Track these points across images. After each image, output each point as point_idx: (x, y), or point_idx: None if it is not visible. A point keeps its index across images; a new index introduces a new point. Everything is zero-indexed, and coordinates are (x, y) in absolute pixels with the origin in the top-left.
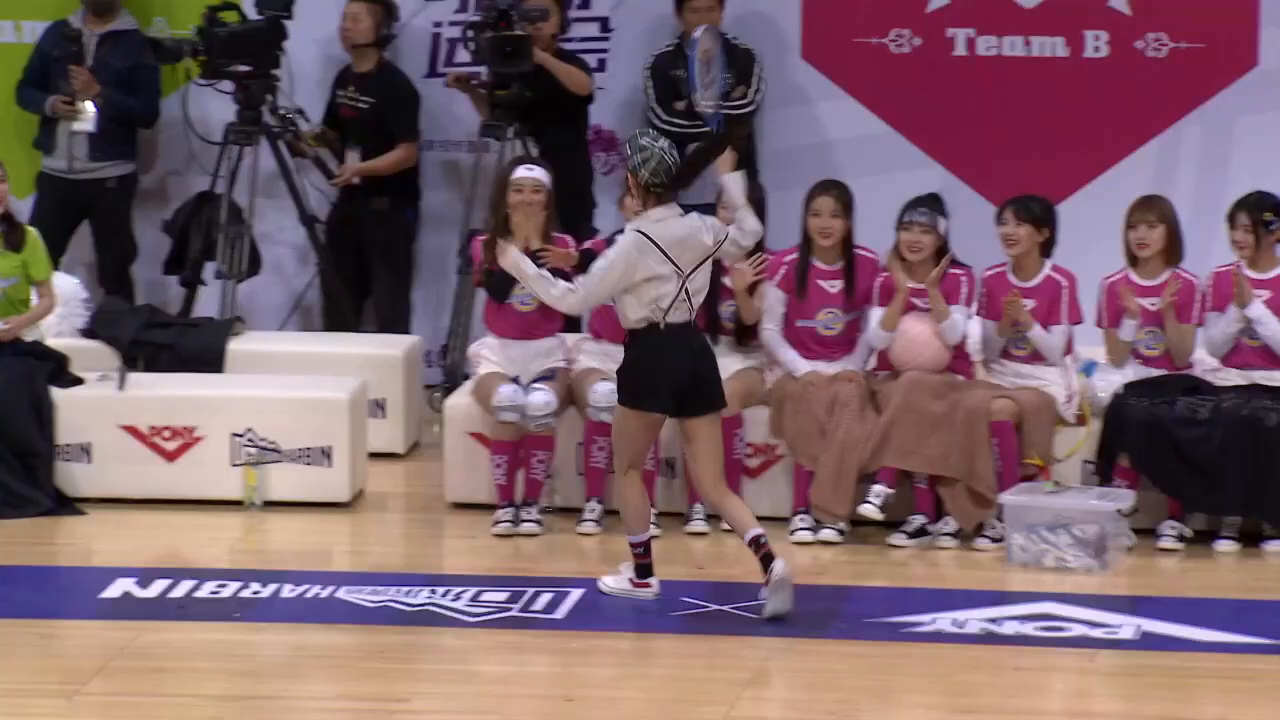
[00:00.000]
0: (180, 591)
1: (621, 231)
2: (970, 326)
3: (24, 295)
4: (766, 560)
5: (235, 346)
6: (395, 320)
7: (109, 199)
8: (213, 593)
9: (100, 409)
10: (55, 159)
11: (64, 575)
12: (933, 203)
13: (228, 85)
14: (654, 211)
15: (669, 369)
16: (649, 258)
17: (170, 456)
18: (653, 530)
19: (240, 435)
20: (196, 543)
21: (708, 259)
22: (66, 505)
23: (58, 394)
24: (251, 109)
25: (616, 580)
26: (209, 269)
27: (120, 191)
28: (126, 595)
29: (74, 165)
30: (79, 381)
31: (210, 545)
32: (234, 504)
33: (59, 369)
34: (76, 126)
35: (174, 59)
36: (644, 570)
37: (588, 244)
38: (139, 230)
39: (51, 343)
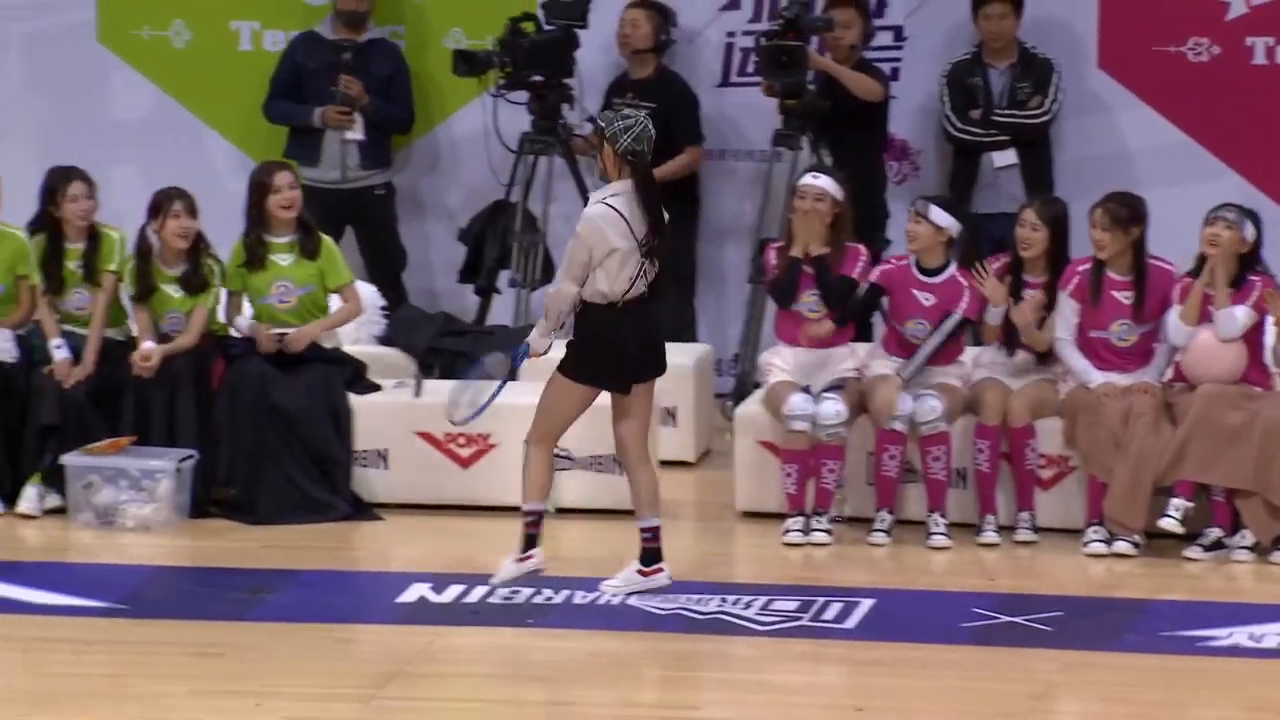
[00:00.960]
0: (474, 597)
1: None
2: (1267, 337)
3: (321, 303)
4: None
5: None
6: (679, 328)
7: (378, 206)
8: (506, 598)
9: (397, 416)
10: (324, 169)
11: (361, 580)
12: (1244, 209)
13: (513, 94)
14: (616, 184)
15: (624, 347)
16: (614, 230)
17: (465, 463)
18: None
19: None
20: (490, 549)
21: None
22: (364, 510)
23: (355, 400)
24: (547, 118)
25: (624, 578)
26: (503, 277)
27: (387, 198)
28: (422, 600)
29: (347, 175)
30: (376, 388)
31: (504, 551)
32: None
33: (356, 375)
34: (349, 136)
35: (483, 69)
36: (530, 541)
37: (856, 271)
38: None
39: (349, 349)
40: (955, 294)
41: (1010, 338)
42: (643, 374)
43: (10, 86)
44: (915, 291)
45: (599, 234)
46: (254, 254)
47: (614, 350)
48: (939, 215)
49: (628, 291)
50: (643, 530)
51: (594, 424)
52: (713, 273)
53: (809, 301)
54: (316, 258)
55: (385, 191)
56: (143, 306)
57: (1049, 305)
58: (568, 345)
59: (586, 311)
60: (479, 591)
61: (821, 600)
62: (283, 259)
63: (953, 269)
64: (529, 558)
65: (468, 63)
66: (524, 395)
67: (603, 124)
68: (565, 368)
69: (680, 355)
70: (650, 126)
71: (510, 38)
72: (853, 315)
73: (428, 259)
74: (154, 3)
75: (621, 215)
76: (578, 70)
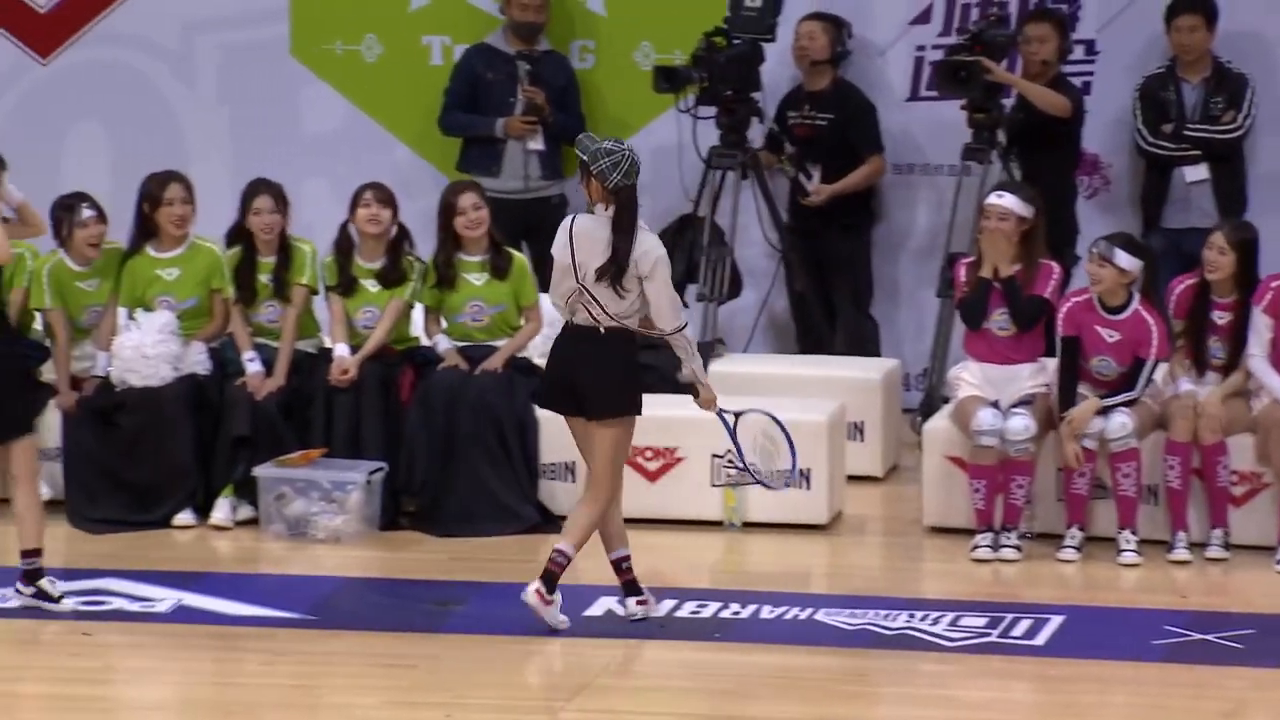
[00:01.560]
0: (661, 610)
1: None
2: None
3: (513, 320)
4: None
5: (716, 368)
6: (860, 341)
7: (554, 216)
8: (693, 612)
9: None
10: (506, 180)
11: None
12: None
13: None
14: (599, 209)
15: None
16: (559, 245)
17: (652, 477)
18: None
19: (720, 457)
20: (677, 562)
21: (610, 272)
22: (550, 522)
23: (542, 413)
24: (736, 132)
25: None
26: (690, 291)
27: (562, 208)
28: (609, 614)
29: (529, 185)
30: None
31: (691, 565)
32: (714, 524)
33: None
34: (531, 145)
35: (683, 85)
36: (633, 587)
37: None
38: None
39: (539, 363)
40: (1139, 330)
41: (1199, 357)
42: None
43: (204, 100)
44: (1099, 329)
45: (556, 248)
46: (444, 274)
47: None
48: (1123, 259)
49: (572, 310)
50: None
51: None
52: (897, 287)
53: (999, 320)
54: (507, 277)
55: (560, 201)
56: (340, 300)
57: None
58: (603, 384)
59: (621, 337)
60: (666, 605)
61: (1010, 617)
62: (475, 278)
63: (1136, 303)
64: (645, 600)
65: (668, 79)
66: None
67: (586, 159)
68: (616, 408)
69: (868, 370)
70: (635, 157)
71: (705, 53)
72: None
73: None
74: (346, 17)
75: (569, 229)
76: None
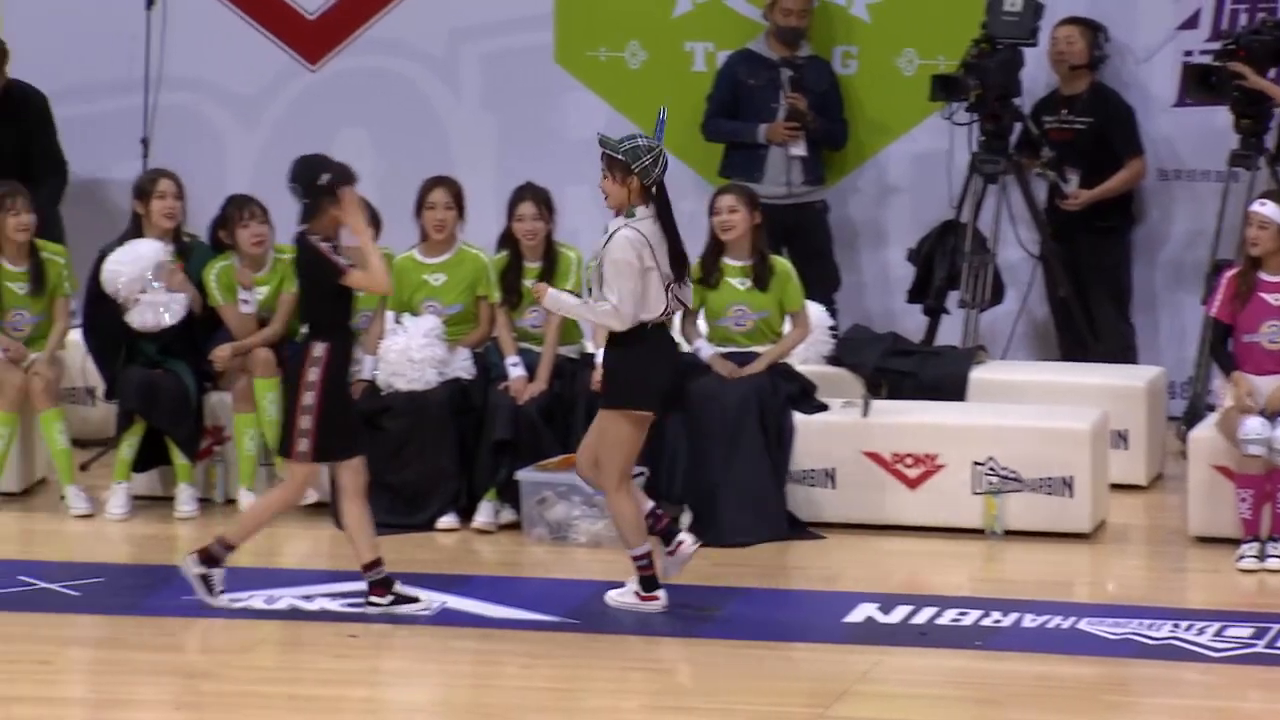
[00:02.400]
0: (922, 618)
1: None
2: None
3: (776, 327)
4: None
5: (977, 375)
6: (1120, 347)
7: (815, 222)
8: (954, 620)
9: (844, 435)
10: (769, 185)
11: (809, 599)
12: None
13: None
14: (640, 210)
15: (663, 368)
16: (646, 253)
17: (912, 484)
18: (648, 543)
19: (982, 464)
20: (938, 570)
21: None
22: (802, 528)
23: (799, 419)
24: (1000, 138)
25: (621, 594)
26: (952, 297)
27: (824, 214)
28: (869, 620)
29: (792, 190)
30: (823, 408)
31: (951, 573)
32: (974, 532)
33: (803, 393)
34: (794, 151)
35: (960, 94)
36: (649, 583)
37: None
38: None
39: (800, 369)
40: None
41: None
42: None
43: (469, 106)
44: (1264, 295)
45: (641, 254)
46: (708, 272)
47: (651, 371)
48: (1272, 210)
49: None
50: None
51: (1043, 445)
52: (1155, 292)
53: (1269, 332)
54: (770, 283)
55: (822, 207)
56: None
57: None
58: (612, 374)
59: (631, 335)
60: (927, 612)
61: (1276, 628)
62: (739, 283)
63: None
64: (653, 598)
65: (945, 88)
66: (969, 415)
67: (625, 158)
68: (615, 398)
69: (1132, 377)
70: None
71: (976, 59)
72: None
73: (875, 279)
74: (610, 25)
75: (647, 239)
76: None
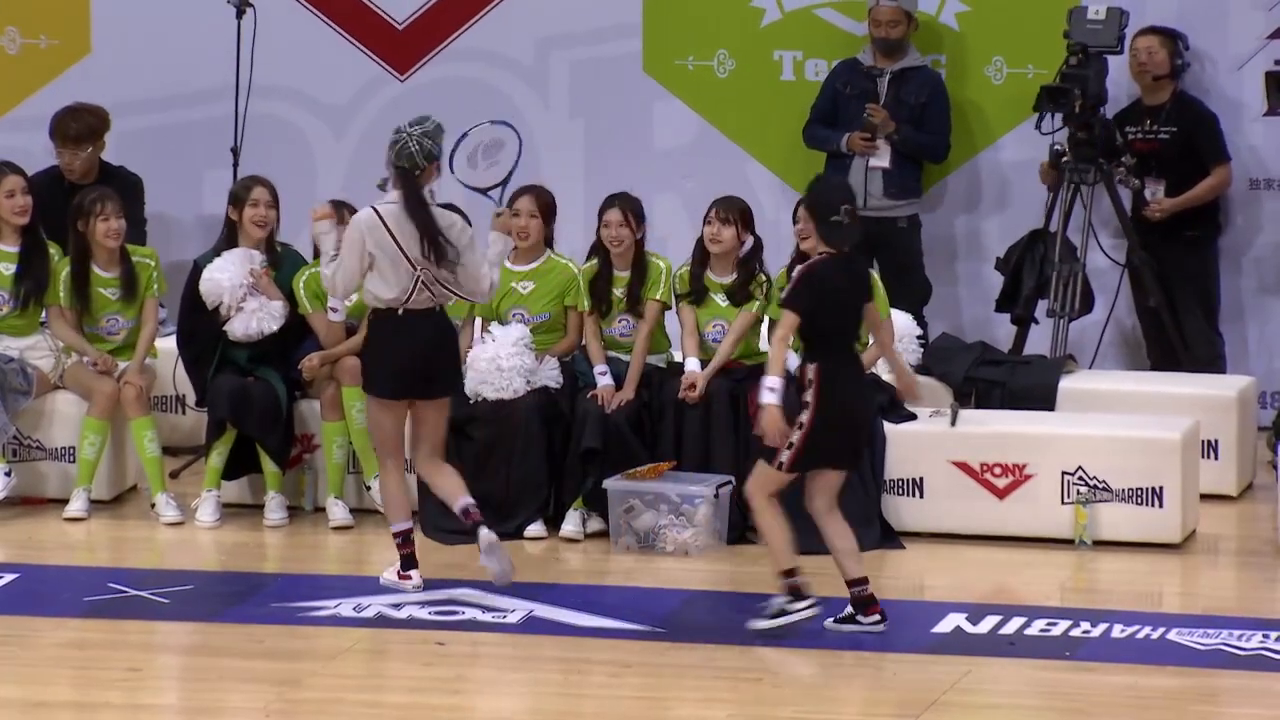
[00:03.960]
0: (1010, 628)
1: None
2: None
3: (861, 337)
4: (474, 531)
5: (1067, 384)
6: (1208, 357)
7: (900, 238)
8: (1043, 630)
9: (933, 444)
10: None
11: (897, 608)
12: None
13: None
14: (392, 193)
15: (396, 355)
16: (378, 235)
17: (1000, 493)
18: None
19: (1071, 474)
20: (1026, 580)
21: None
22: (891, 538)
23: (889, 428)
24: (1091, 147)
25: (388, 574)
26: (1041, 306)
27: (910, 231)
28: (958, 630)
29: (869, 202)
30: (912, 417)
31: (1040, 582)
32: (1063, 542)
33: (891, 403)
34: (874, 163)
35: (1065, 104)
36: (407, 562)
37: None
38: None
39: (888, 378)
40: None
41: None
42: (420, 389)
43: (558, 115)
44: None
45: (356, 236)
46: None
47: (388, 358)
48: None
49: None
50: (460, 511)
51: (1133, 455)
52: (1242, 301)
53: None
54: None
55: (907, 225)
56: (691, 311)
57: None
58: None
59: (372, 322)
60: (1016, 623)
61: None
62: None
63: None
64: (409, 576)
65: (1053, 98)
66: (1058, 425)
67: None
68: (363, 384)
69: (1222, 387)
70: (411, 141)
71: (1075, 69)
72: None
73: (967, 288)
74: (699, 34)
75: (383, 221)
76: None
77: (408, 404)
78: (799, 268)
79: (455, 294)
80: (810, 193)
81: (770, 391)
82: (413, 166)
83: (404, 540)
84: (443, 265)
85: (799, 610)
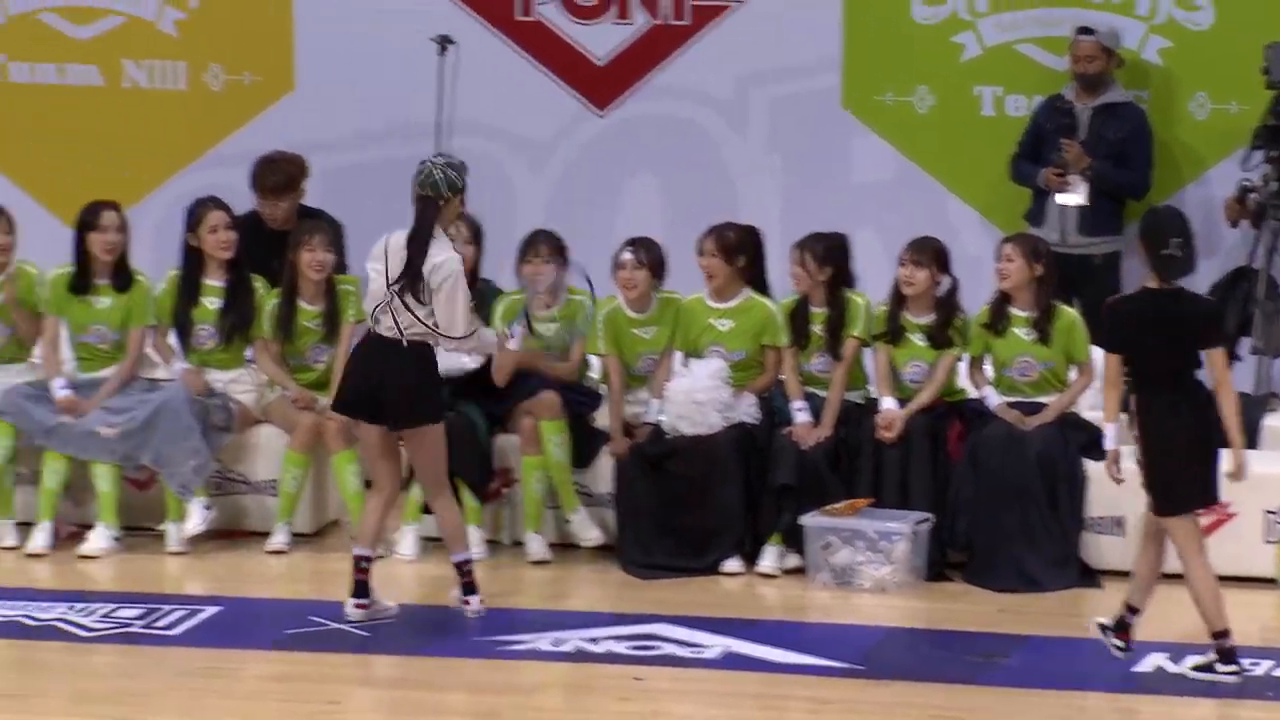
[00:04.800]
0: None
1: None
2: None
3: (1062, 375)
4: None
5: (1270, 422)
6: None
7: (1095, 276)
8: (1245, 670)
9: (1134, 483)
10: (1048, 232)
11: (1095, 647)
12: None
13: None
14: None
15: (350, 374)
16: (379, 260)
17: (1203, 532)
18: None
19: (1274, 512)
20: (1231, 619)
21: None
22: (1091, 576)
23: (1090, 466)
24: None
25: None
26: (1244, 344)
27: (1105, 268)
28: (1159, 670)
29: (1065, 239)
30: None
31: (1242, 622)
32: (1266, 581)
33: (1091, 442)
34: (1066, 200)
35: None
36: (359, 589)
37: None
38: None
39: (1089, 417)
40: None
41: None
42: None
43: (755, 150)
44: None
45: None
46: (996, 320)
47: (345, 377)
48: None
49: (374, 318)
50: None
51: None
52: None
53: None
54: (1052, 338)
55: (1103, 262)
56: (886, 350)
57: None
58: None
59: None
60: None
61: None
62: (1024, 333)
63: None
64: (363, 605)
65: (1273, 138)
66: (1262, 463)
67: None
68: (421, 417)
69: None
70: (435, 169)
71: None
72: None
73: None
74: (898, 69)
75: (385, 245)
76: None
77: (381, 429)
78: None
79: (433, 330)
80: (1143, 223)
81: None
82: (436, 195)
83: (357, 567)
84: (411, 296)
85: (1225, 674)
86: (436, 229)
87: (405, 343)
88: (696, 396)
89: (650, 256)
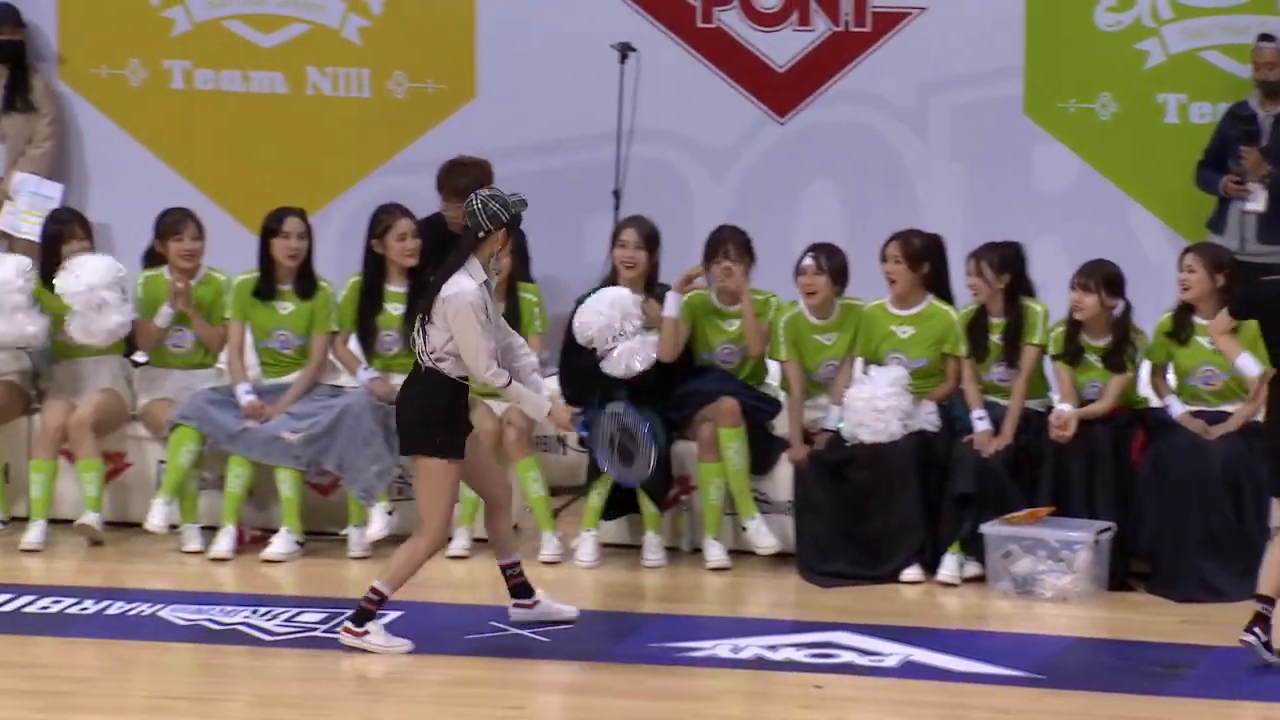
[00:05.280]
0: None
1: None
2: None
3: (1246, 386)
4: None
5: None
6: None
7: None
8: None
9: None
10: (1226, 239)
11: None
12: None
13: None
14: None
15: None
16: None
17: None
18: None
19: None
20: None
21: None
22: None
23: None
24: None
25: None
26: None
27: None
28: None
29: (1244, 247)
30: None
31: None
32: None
33: None
34: (1247, 207)
35: None
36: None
37: None
38: None
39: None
40: None
41: None
42: None
43: (937, 158)
44: None
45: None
46: (1179, 329)
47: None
48: None
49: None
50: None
51: None
52: None
53: None
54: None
55: None
56: (1067, 369)
57: None
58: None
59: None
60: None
61: None
62: (1208, 343)
63: None
64: (529, 604)
65: None
66: None
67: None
68: (420, 447)
69: None
70: (478, 203)
71: None
72: None
73: None
74: (1081, 76)
75: None
76: None
77: None
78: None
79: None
80: None
81: None
82: (476, 227)
83: (506, 575)
84: (430, 322)
85: None
86: (472, 260)
87: (422, 368)
88: (877, 404)
89: (832, 263)
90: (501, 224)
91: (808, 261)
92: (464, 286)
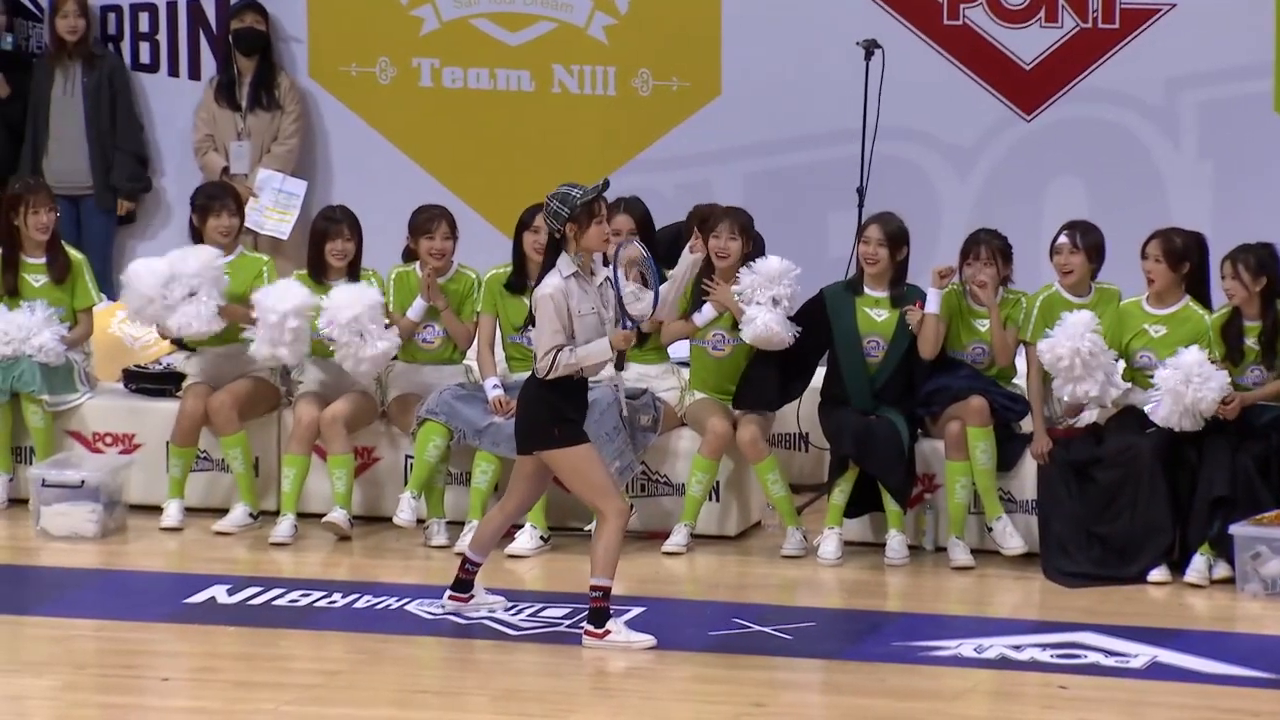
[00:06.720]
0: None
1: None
2: None
3: None
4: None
5: None
6: None
7: None
8: None
9: None
10: None
11: None
12: None
13: None
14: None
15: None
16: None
17: None
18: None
19: None
20: None
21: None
22: None
23: None
24: None
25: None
26: None
27: None
28: None
29: None
30: None
31: None
32: None
33: None
34: None
35: None
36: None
37: None
38: None
39: None
40: None
41: None
42: None
43: (1186, 155)
44: None
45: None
46: None
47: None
48: None
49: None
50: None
51: None
52: None
53: None
54: None
55: None
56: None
57: None
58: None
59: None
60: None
61: None
62: None
63: None
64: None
65: None
66: None
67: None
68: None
69: None
70: (552, 201)
71: None
72: None
73: None
74: None
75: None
76: None
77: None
78: None
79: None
80: None
81: None
82: (551, 229)
83: (461, 567)
84: (532, 325)
85: None
86: (561, 257)
87: (533, 371)
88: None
89: (1087, 240)
90: (565, 219)
91: (1063, 239)
92: (547, 282)
